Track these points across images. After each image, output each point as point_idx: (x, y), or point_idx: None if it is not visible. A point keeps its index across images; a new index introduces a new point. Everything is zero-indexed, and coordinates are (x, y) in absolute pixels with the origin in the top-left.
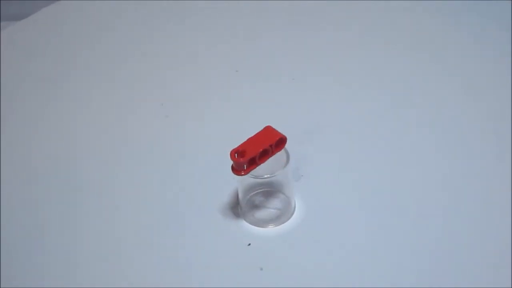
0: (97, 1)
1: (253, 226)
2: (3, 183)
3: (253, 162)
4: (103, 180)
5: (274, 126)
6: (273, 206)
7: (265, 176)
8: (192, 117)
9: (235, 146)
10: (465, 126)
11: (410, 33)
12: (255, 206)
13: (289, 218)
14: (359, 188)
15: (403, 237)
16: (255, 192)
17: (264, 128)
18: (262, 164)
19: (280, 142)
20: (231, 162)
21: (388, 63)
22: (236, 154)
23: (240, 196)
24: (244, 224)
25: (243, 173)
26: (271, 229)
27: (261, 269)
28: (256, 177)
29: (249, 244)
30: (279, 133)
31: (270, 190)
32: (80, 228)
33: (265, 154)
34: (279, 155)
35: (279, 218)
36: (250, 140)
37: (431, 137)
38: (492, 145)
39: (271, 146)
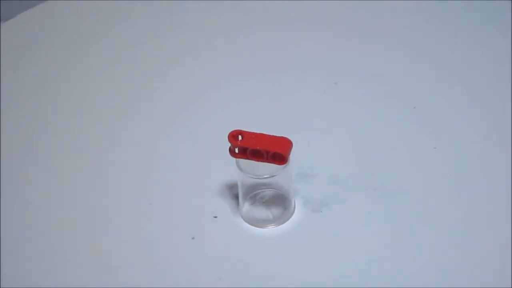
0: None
1: (253, 226)
2: (3, 183)
3: (244, 153)
4: (100, 178)
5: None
6: (273, 206)
7: (265, 176)
8: (190, 118)
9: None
10: (464, 125)
11: (409, 32)
12: (255, 206)
13: (289, 218)
14: (359, 188)
15: (403, 236)
16: (255, 192)
17: (281, 137)
18: (262, 164)
19: (276, 156)
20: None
21: (386, 61)
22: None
23: (240, 196)
24: (244, 224)
25: (233, 155)
26: (271, 229)
27: (193, 238)
28: (256, 177)
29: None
30: (286, 149)
31: (270, 190)
32: (78, 225)
33: (258, 155)
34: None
35: (279, 218)
36: (259, 135)
37: (431, 136)
38: (493, 145)
39: (267, 153)
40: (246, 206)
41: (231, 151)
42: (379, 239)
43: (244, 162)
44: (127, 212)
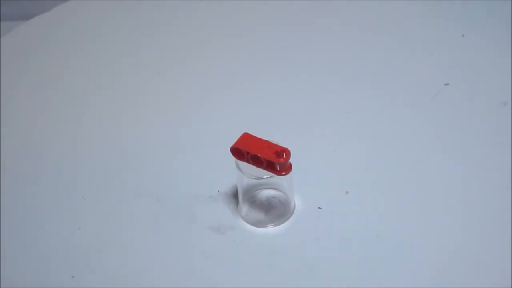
0: (102, 1)
1: (253, 226)
2: (3, 183)
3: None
4: (100, 179)
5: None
6: (273, 206)
7: (265, 176)
8: (189, 118)
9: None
10: (464, 125)
11: (408, 32)
12: (255, 206)
13: (289, 218)
14: (359, 188)
15: (403, 236)
16: (255, 192)
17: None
18: None
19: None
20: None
21: (385, 60)
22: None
23: (240, 196)
24: (244, 224)
25: (284, 173)
26: (271, 229)
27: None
28: (256, 177)
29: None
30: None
31: (270, 190)
32: (77, 225)
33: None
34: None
35: (279, 218)
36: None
37: (429, 135)
38: (493, 145)
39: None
40: (246, 206)
41: (275, 170)
42: (380, 238)
43: (244, 162)
44: (128, 212)
